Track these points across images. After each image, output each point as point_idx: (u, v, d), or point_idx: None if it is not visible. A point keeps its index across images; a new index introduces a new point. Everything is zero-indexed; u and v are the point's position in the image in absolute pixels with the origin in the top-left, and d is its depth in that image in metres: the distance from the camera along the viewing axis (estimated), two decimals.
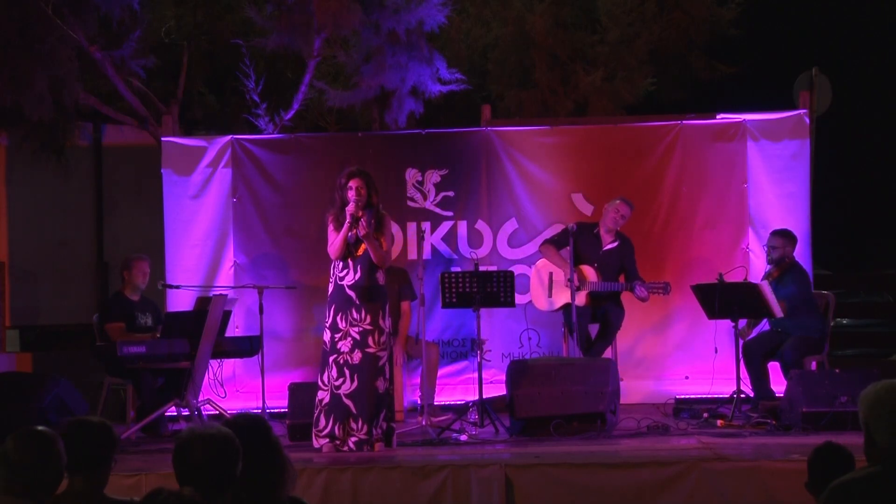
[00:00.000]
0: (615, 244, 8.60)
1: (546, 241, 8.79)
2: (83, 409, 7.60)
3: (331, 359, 7.02)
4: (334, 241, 7.06)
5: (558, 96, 11.58)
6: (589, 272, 8.48)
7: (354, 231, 6.99)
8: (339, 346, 7.00)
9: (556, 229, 8.93)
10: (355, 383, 6.96)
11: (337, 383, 6.98)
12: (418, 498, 6.29)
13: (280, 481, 3.66)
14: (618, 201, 8.60)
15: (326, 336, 7.08)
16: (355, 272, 7.05)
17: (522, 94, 11.64)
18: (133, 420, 8.08)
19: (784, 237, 8.39)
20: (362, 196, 7.05)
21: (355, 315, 7.01)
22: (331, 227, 7.14)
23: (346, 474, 6.33)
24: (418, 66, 9.95)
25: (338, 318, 7.03)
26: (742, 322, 8.09)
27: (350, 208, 7.01)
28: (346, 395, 6.96)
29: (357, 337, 6.99)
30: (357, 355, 6.97)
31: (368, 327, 7.00)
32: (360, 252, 7.05)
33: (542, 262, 8.78)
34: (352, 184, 7.07)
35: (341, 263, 7.08)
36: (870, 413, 3.50)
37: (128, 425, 7.98)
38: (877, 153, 17.00)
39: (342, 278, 7.07)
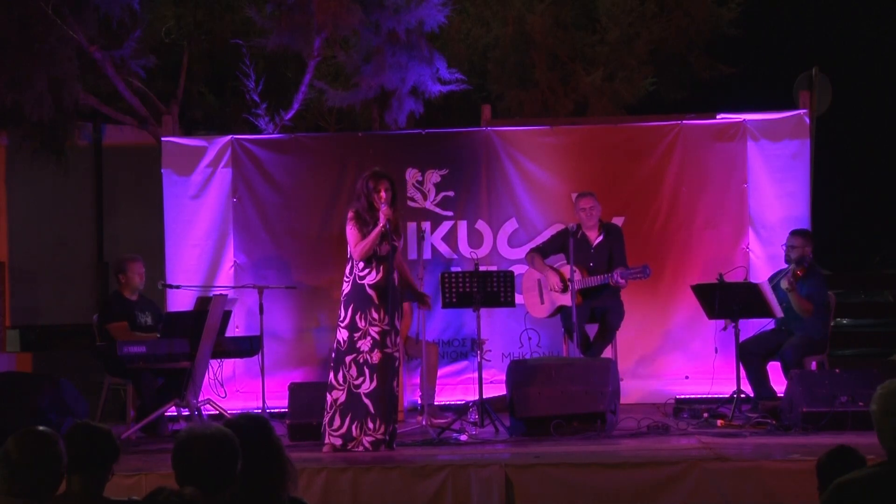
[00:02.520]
0: (601, 237, 8.60)
1: (532, 250, 8.78)
2: (83, 409, 7.59)
3: (348, 358, 6.97)
4: (365, 243, 6.97)
5: (558, 96, 11.58)
6: (568, 272, 8.45)
7: (387, 240, 6.99)
8: (358, 346, 6.98)
9: (556, 229, 8.93)
10: (374, 383, 6.95)
11: (357, 382, 6.96)
12: (418, 498, 6.29)
13: (281, 481, 3.66)
14: (577, 199, 8.63)
15: (342, 335, 7.02)
16: (378, 272, 7.02)
17: (522, 94, 11.63)
18: (133, 420, 8.08)
19: (804, 237, 8.36)
20: (387, 199, 7.02)
21: (374, 315, 6.99)
22: (353, 227, 7.05)
23: (346, 474, 6.33)
24: (418, 66, 9.95)
25: (357, 318, 7.00)
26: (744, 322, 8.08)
27: (388, 212, 6.97)
28: (366, 395, 6.95)
29: (377, 337, 6.97)
30: (376, 355, 6.96)
31: (387, 328, 6.99)
32: (384, 252, 7.05)
33: (528, 270, 8.77)
34: (382, 186, 7.04)
35: (363, 262, 7.04)
36: (874, 412, 3.49)
37: (128, 425, 7.99)
38: (877, 153, 16.99)
39: (363, 277, 7.03)
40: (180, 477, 3.55)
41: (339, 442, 6.97)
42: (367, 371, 6.96)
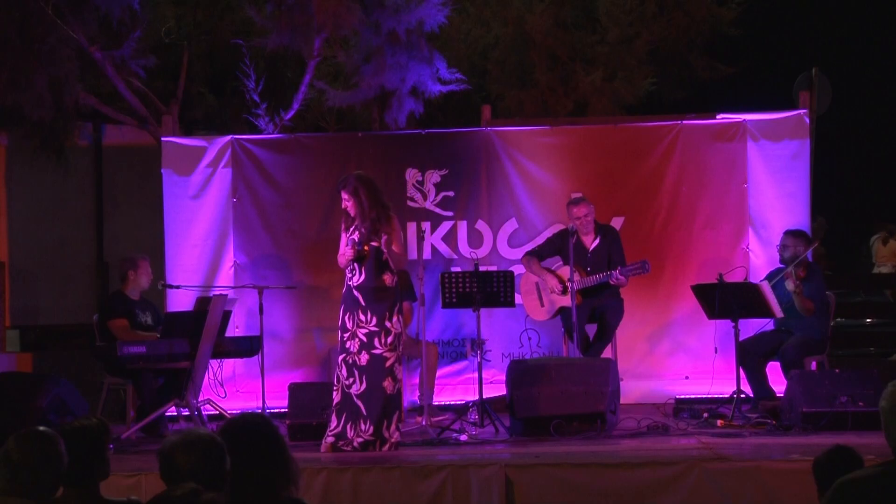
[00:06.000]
0: (598, 241, 8.60)
1: (528, 254, 8.77)
2: (83, 409, 7.60)
3: (340, 358, 7.07)
4: (342, 255, 7.15)
5: (558, 96, 11.58)
6: (566, 273, 8.44)
7: (361, 248, 7.05)
8: (347, 346, 7.05)
9: (555, 229, 8.93)
10: (364, 384, 6.99)
11: (347, 383, 7.02)
12: (418, 498, 6.29)
13: (283, 481, 3.65)
14: (570, 208, 8.61)
15: (339, 336, 7.15)
16: (360, 274, 7.08)
17: (522, 94, 11.63)
18: (133, 420, 8.09)
19: (796, 237, 8.38)
20: (350, 208, 7.11)
21: (361, 317, 7.04)
22: (342, 230, 7.21)
23: (346, 474, 6.34)
24: (418, 66, 9.95)
25: (346, 319, 7.09)
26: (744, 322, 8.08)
27: (348, 253, 7.07)
28: (357, 396, 7.00)
29: (364, 339, 7.02)
30: (364, 357, 7.01)
31: (374, 329, 7.01)
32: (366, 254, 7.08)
33: (525, 273, 8.76)
34: (343, 199, 7.15)
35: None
36: (882, 409, 3.47)
37: (128, 425, 7.99)
38: (877, 153, 16.99)
39: (350, 279, 7.13)
40: (168, 483, 3.56)
41: (331, 440, 7.01)
42: (356, 372, 7.00)
